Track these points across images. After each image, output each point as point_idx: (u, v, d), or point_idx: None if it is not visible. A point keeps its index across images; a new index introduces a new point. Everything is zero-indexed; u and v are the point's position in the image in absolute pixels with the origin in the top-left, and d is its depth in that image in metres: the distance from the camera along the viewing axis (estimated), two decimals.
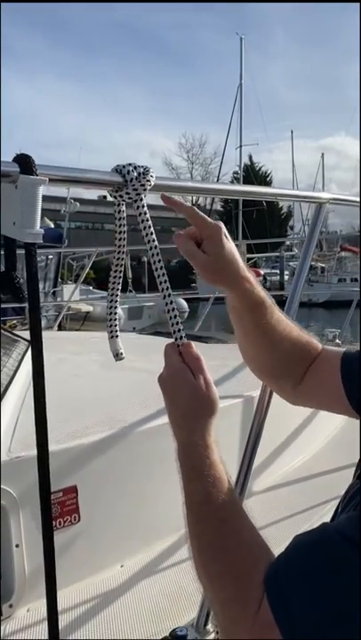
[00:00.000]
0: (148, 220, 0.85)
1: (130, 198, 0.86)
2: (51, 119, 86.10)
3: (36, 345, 0.77)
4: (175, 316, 0.86)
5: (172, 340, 0.86)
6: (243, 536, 0.73)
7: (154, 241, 0.85)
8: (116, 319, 0.94)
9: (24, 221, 0.71)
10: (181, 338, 0.85)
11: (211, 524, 0.74)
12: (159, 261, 0.87)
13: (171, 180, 0.98)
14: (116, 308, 0.94)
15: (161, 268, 0.87)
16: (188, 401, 0.82)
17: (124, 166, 0.85)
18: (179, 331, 0.86)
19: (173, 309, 0.86)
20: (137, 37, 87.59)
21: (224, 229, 0.91)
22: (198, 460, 0.78)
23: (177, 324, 0.86)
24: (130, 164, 0.86)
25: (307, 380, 1.00)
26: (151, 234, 0.85)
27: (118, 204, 0.88)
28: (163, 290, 0.87)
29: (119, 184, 0.85)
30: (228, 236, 0.92)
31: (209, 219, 0.91)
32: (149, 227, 0.86)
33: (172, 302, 0.87)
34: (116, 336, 0.94)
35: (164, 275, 0.86)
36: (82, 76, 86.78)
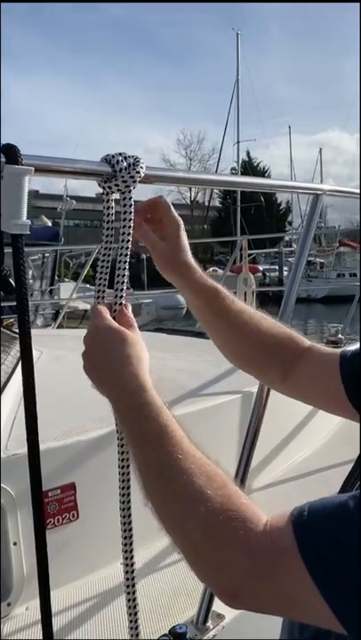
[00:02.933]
0: (131, 213, 0.84)
1: (119, 190, 0.84)
2: (45, 117, 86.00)
3: (25, 339, 0.75)
4: (123, 283, 0.85)
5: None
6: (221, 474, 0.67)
7: (128, 239, 0.84)
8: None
9: (10, 212, 0.69)
10: (121, 305, 0.84)
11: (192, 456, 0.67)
12: (125, 262, 0.86)
13: (161, 171, 0.95)
14: (103, 299, 0.91)
15: (125, 269, 0.86)
16: (125, 348, 0.77)
17: (113, 156, 0.83)
18: (121, 296, 0.84)
19: (124, 275, 0.85)
20: (131, 34, 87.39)
21: (182, 225, 0.96)
22: (152, 399, 0.72)
23: (122, 286, 0.85)
24: (120, 154, 0.83)
25: (298, 375, 0.97)
26: (130, 227, 0.84)
27: (107, 194, 0.86)
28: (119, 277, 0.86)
29: (108, 174, 0.83)
30: (185, 231, 0.96)
31: (172, 211, 0.95)
32: (130, 219, 0.84)
33: (125, 270, 0.86)
34: None
35: (125, 276, 0.86)
36: (77, 72, 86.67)
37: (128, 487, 0.91)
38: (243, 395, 2.05)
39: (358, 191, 1.75)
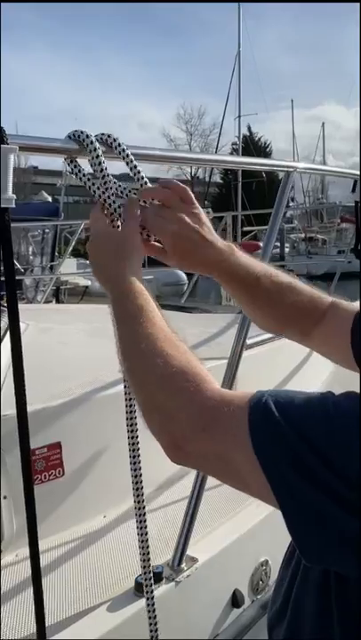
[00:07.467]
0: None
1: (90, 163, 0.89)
2: (41, 91, 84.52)
3: (12, 310, 0.80)
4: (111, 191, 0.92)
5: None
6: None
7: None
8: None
9: None
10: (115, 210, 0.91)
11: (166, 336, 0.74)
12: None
13: (137, 149, 0.98)
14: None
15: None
16: (112, 246, 0.86)
17: (81, 133, 0.88)
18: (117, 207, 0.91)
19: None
20: (130, 8, 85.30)
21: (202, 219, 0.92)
22: (132, 286, 0.81)
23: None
24: (104, 134, 0.91)
25: (315, 336, 0.97)
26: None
27: (77, 172, 0.92)
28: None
29: (75, 152, 0.88)
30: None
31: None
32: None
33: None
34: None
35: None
36: (74, 47, 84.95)
37: (136, 430, 1.02)
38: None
39: (335, 169, 1.82)
